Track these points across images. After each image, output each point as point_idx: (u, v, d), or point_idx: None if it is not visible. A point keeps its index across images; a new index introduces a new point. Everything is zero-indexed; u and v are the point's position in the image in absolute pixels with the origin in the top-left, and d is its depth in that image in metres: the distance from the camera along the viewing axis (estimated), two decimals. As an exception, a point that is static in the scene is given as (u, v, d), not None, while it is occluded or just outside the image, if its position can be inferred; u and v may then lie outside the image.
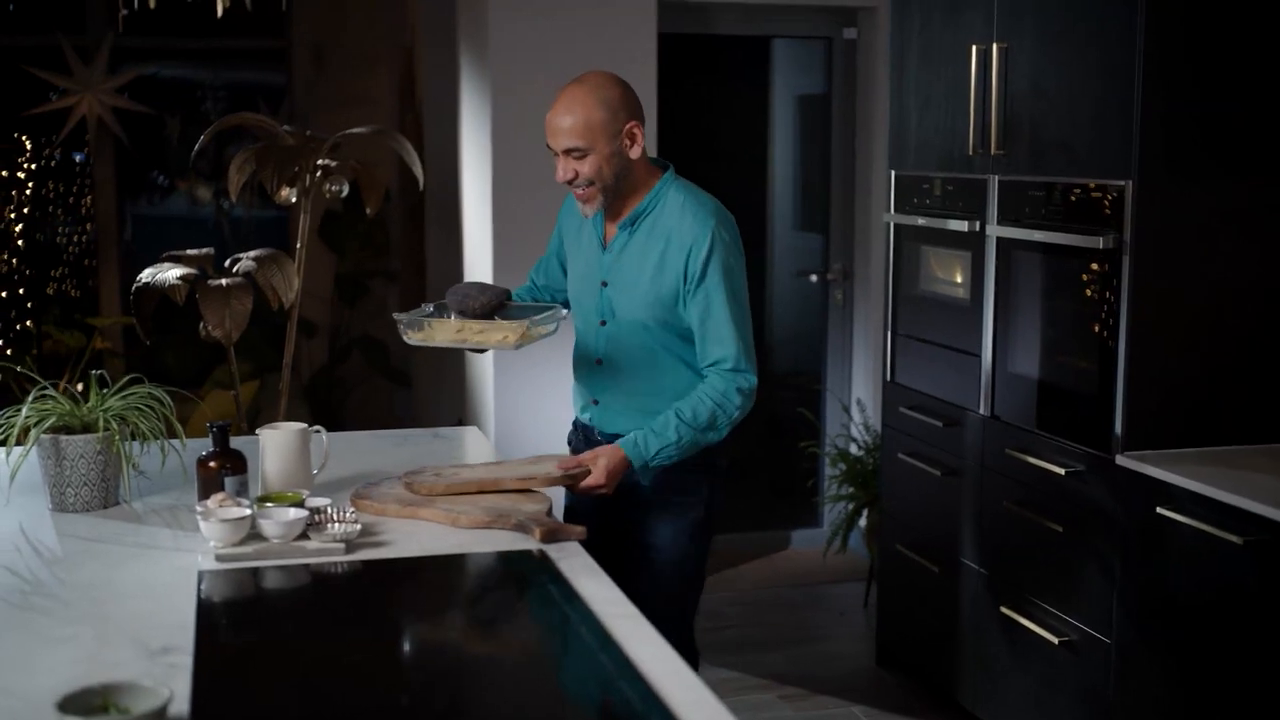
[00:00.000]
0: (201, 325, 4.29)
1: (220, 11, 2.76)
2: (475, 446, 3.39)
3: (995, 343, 3.67)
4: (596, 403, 3.05)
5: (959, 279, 3.85)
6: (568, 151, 2.84)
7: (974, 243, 3.73)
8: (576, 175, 2.85)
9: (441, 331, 2.83)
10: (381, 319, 6.81)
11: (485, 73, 4.75)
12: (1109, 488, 3.21)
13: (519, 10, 4.68)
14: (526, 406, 4.83)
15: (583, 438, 3.13)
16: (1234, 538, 2.81)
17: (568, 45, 4.71)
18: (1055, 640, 3.39)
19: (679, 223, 2.88)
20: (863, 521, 5.03)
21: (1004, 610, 3.62)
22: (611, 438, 2.95)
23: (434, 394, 6.27)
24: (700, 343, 2.88)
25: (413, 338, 2.85)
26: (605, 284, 2.96)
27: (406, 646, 2.06)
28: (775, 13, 5.22)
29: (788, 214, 5.98)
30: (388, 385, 6.82)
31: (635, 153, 2.87)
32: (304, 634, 2.09)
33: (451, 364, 5.67)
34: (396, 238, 6.72)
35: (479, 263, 5.00)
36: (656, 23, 4.76)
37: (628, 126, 2.86)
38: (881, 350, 4.39)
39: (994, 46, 3.58)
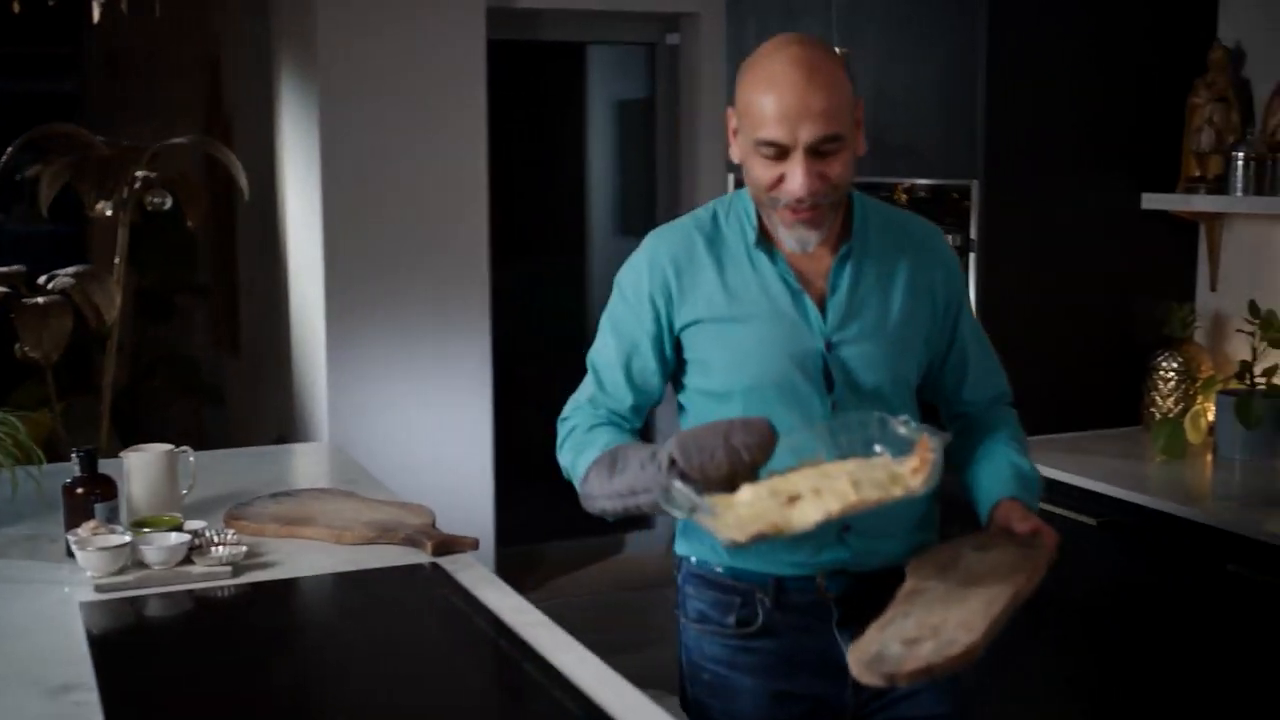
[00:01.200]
0: (17, 345, 4.08)
1: (96, 14, 2.60)
2: (336, 462, 3.31)
3: (841, 340, 3.76)
4: (849, 529, 2.02)
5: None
6: (817, 146, 1.89)
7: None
8: (823, 182, 1.91)
9: (760, 502, 1.78)
10: (190, 335, 6.58)
11: (311, 81, 4.63)
12: (962, 477, 3.32)
13: (347, 17, 4.58)
14: (362, 423, 4.72)
15: (800, 599, 2.06)
16: (1088, 519, 2.94)
17: (398, 52, 4.63)
18: (911, 628, 3.48)
19: (914, 234, 2.10)
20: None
21: (857, 601, 3.70)
22: (870, 579, 2.02)
23: (250, 411, 6.08)
24: (974, 380, 2.15)
25: (725, 530, 1.76)
26: (832, 346, 2.00)
27: (323, 669, 2.00)
28: (598, 19, 5.23)
29: (607, 219, 6.01)
30: (197, 403, 6.59)
31: (862, 147, 1.99)
32: (211, 662, 2.00)
33: (271, 378, 5.51)
34: (204, 251, 6.50)
35: (308, 276, 4.87)
36: (485, 29, 4.72)
37: (858, 107, 1.98)
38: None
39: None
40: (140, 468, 2.56)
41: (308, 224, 4.81)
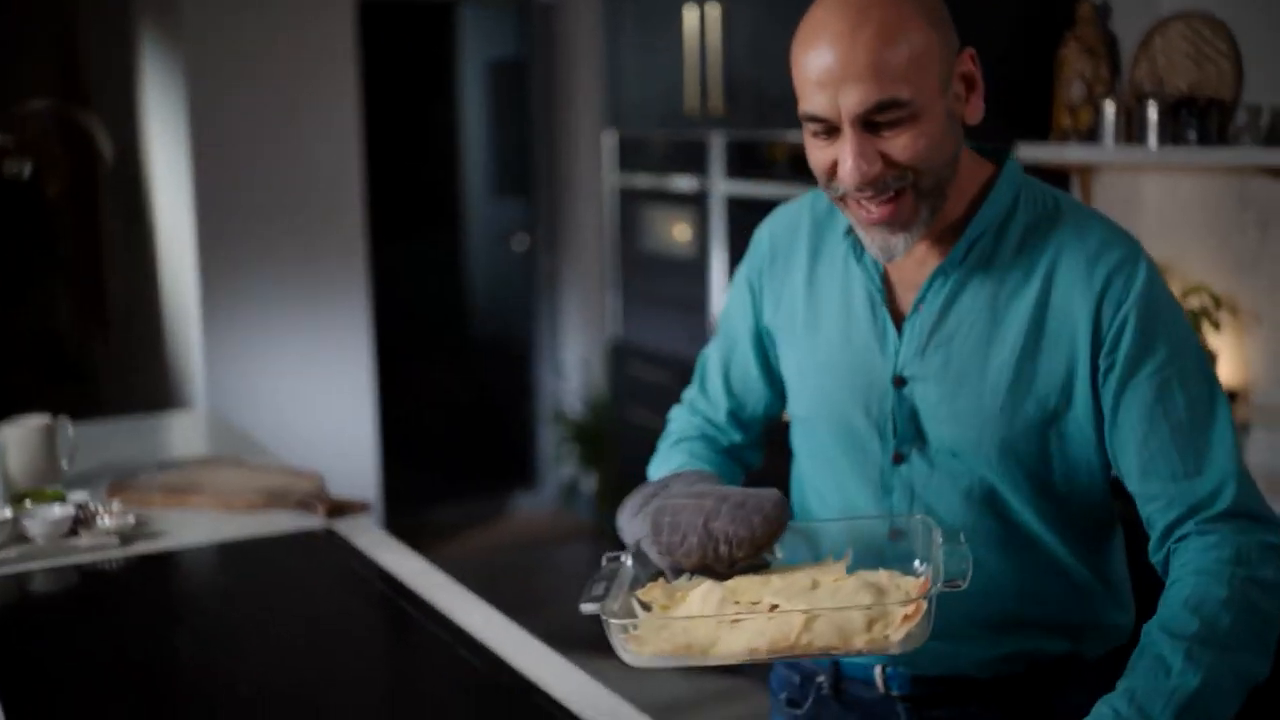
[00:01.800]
0: None
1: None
2: (217, 430, 3.25)
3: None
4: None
5: (686, 236, 3.94)
6: (869, 116, 1.35)
7: (699, 199, 3.82)
8: (884, 165, 1.36)
9: (702, 612, 1.33)
10: (49, 308, 6.39)
11: (177, 47, 4.51)
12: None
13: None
14: (241, 392, 4.63)
15: (862, 693, 1.59)
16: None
17: (267, 16, 4.53)
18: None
19: (1074, 247, 1.44)
20: (593, 482, 5.09)
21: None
22: (947, 685, 1.53)
23: (117, 383, 5.93)
24: (1140, 475, 1.42)
25: (633, 641, 1.30)
26: (905, 381, 1.48)
27: (223, 639, 1.95)
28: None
29: (480, 180, 5.96)
30: (61, 376, 6.40)
31: (976, 111, 1.45)
32: (106, 636, 1.94)
33: (140, 350, 5.38)
34: (63, 222, 6.29)
35: (177, 247, 4.75)
36: (354, -11, 4.64)
37: (962, 60, 1.43)
38: (600, 312, 4.45)
39: (709, 6, 3.67)
40: (18, 441, 2.49)
41: (177, 193, 4.69)
